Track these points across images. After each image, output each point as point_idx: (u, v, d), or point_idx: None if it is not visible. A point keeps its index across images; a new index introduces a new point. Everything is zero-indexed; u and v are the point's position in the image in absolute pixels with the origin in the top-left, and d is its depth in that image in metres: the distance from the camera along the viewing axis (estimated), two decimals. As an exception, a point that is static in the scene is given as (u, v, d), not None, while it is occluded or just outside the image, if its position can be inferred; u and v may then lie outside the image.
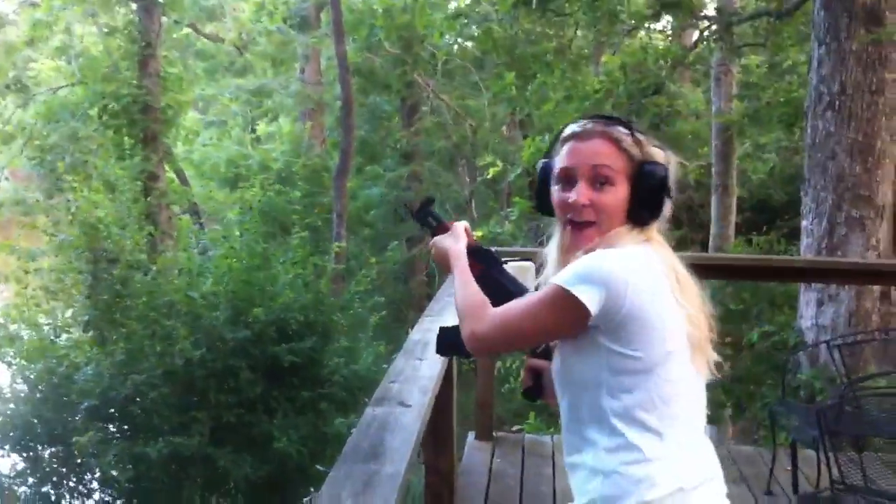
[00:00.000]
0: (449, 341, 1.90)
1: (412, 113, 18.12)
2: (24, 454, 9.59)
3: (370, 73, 17.60)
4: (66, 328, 10.70)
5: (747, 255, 9.46)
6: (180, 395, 9.05)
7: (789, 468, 4.35)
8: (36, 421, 9.44)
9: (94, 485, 9.67)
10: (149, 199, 13.58)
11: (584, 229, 1.72)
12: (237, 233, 10.54)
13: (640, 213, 1.72)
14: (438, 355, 2.09)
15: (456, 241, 1.95)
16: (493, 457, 4.81)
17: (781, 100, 10.57)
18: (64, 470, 9.48)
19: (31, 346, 10.02)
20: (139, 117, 15.15)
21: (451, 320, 3.07)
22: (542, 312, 1.65)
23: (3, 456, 9.56)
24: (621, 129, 1.73)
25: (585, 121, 1.76)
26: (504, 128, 18.89)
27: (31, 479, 9.50)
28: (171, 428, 8.86)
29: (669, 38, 14.68)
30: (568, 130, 1.78)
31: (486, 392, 5.02)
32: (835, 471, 3.27)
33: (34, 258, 11.68)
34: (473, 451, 4.90)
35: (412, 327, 3.10)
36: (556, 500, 4.28)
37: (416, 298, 16.59)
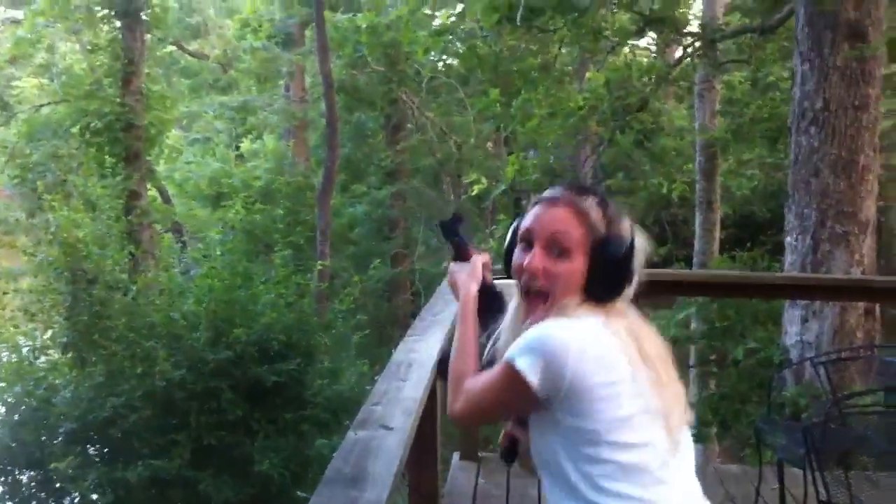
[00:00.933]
0: None
1: (397, 130, 18.13)
2: (2, 478, 9.41)
3: (355, 90, 17.60)
4: (45, 350, 10.56)
5: (731, 271, 9.46)
6: (160, 418, 8.94)
7: (776, 487, 4.31)
8: (14, 445, 9.27)
9: (74, 510, 9.53)
10: (130, 217, 13.50)
11: (534, 298, 1.69)
12: (219, 252, 10.46)
13: (596, 289, 1.66)
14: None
15: (470, 278, 1.93)
16: (478, 477, 4.75)
17: (765, 116, 10.62)
18: (43, 495, 9.31)
19: (9, 369, 9.86)
20: (122, 135, 15.05)
21: (434, 339, 3.03)
22: (496, 387, 1.65)
23: (-20, 480, 9.42)
24: (591, 201, 1.68)
25: (561, 187, 1.73)
26: (489, 144, 18.92)
27: (9, 505, 9.36)
28: (151, 451, 8.74)
29: (653, 55, 14.75)
30: (542, 193, 1.76)
31: (471, 412, 4.95)
32: (822, 489, 3.23)
33: (15, 278, 11.57)
34: (458, 472, 4.84)
35: (396, 347, 3.05)
36: (542, 522, 4.22)
37: (400, 317, 16.53)
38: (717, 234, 11.76)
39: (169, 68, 22.03)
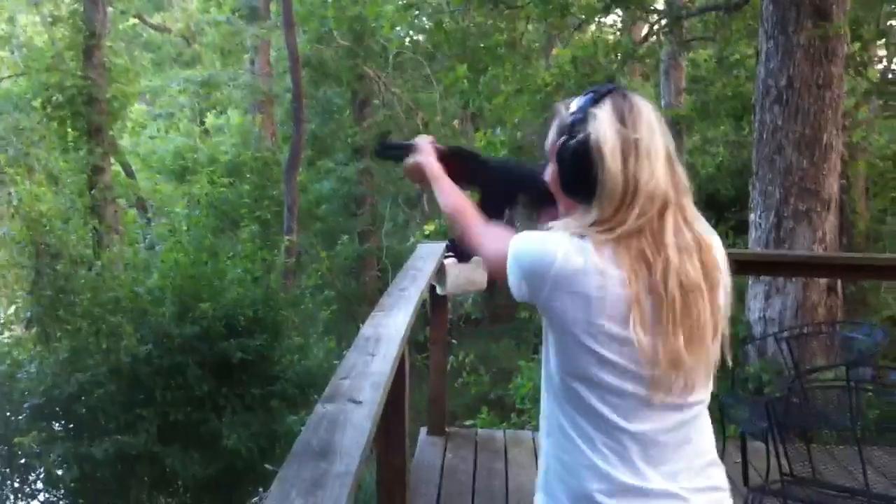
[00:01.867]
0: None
1: (364, 106, 18.02)
2: (-34, 454, 9.36)
3: (321, 65, 17.44)
4: (8, 325, 10.46)
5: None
6: (126, 393, 8.89)
7: (739, 461, 4.37)
8: (-23, 420, 9.22)
9: (39, 485, 9.46)
10: (93, 192, 13.33)
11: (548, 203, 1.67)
12: (185, 227, 10.38)
13: (567, 193, 1.54)
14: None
15: (424, 154, 1.97)
16: (445, 452, 4.79)
17: (730, 94, 10.69)
18: (7, 470, 9.27)
19: (-29, 345, 9.79)
20: (84, 109, 14.81)
21: (401, 315, 3.04)
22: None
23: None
24: (577, 100, 1.55)
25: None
26: (456, 122, 18.86)
27: (-28, 480, 9.29)
28: (118, 426, 8.71)
29: (619, 32, 14.76)
30: None
31: (439, 387, 5.00)
32: (784, 463, 3.28)
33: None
34: (426, 447, 4.88)
35: (364, 322, 3.05)
36: (508, 495, 4.26)
37: (368, 294, 16.49)
38: (683, 211, 11.82)
39: (131, 42, 21.68)
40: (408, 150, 2.02)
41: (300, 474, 1.65)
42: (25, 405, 9.01)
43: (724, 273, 1.54)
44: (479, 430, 5.57)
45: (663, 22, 10.31)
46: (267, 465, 8.53)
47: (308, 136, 16.75)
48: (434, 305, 4.88)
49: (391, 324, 2.90)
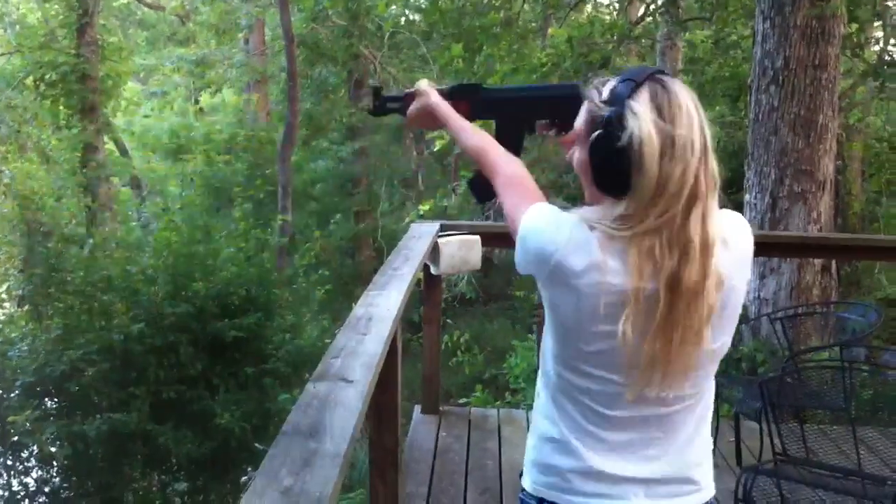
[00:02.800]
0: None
1: (359, 86, 17.92)
2: (-42, 432, 9.36)
3: (316, 44, 17.33)
4: (1, 303, 10.44)
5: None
6: (119, 371, 8.87)
7: (732, 440, 4.39)
8: (-31, 398, 9.22)
9: (32, 462, 9.47)
10: (86, 170, 13.27)
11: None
12: (178, 205, 10.34)
13: (598, 184, 1.48)
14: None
15: (427, 96, 1.96)
16: (439, 431, 4.79)
17: (726, 74, 10.65)
18: (0, 448, 9.28)
19: (-37, 323, 9.77)
20: (77, 87, 14.75)
21: (394, 294, 3.03)
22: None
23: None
24: (610, 82, 1.49)
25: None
26: (451, 101, 18.76)
27: (-35, 458, 9.29)
28: (110, 404, 8.70)
29: (616, 12, 14.70)
30: None
31: (433, 366, 4.99)
32: (777, 443, 3.28)
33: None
34: (419, 426, 4.88)
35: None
36: (501, 474, 4.27)
37: (363, 273, 16.46)
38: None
39: (125, 20, 21.55)
40: (409, 97, 2.01)
41: (290, 453, 1.64)
42: (17, 383, 9.00)
43: (739, 267, 1.51)
44: (473, 409, 5.57)
45: (660, 2, 10.26)
46: (257, 445, 8.53)
47: (303, 115, 16.66)
48: (428, 285, 4.87)
49: (383, 303, 2.88)
